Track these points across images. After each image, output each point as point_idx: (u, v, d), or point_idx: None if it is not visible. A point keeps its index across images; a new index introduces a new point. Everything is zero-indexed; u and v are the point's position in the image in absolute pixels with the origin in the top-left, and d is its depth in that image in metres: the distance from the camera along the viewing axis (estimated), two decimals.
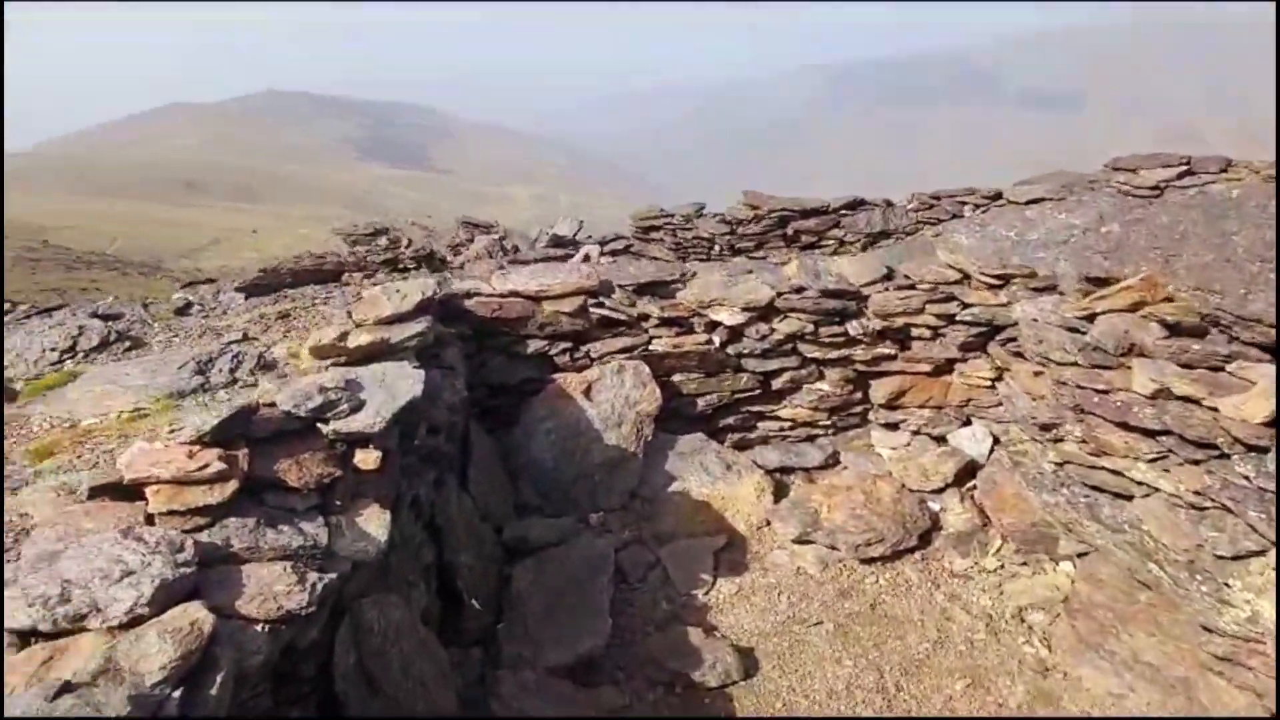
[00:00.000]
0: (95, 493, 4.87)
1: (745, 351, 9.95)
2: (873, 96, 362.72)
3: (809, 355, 10.08)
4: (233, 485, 4.66)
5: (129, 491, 4.78)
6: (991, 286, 9.88)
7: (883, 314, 9.85)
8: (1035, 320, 8.85)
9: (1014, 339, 9.47)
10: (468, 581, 7.16)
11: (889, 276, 10.32)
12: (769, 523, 9.01)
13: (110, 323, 13.97)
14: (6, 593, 3.99)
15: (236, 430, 5.07)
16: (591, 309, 9.28)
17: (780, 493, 9.47)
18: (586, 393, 8.93)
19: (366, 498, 5.37)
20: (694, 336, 9.77)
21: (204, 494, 4.60)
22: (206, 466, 4.63)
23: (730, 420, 10.19)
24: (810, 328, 9.88)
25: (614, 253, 16.21)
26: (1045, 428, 8.41)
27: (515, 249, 20.87)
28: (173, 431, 4.93)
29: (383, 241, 19.90)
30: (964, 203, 15.30)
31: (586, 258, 15.90)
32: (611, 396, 8.97)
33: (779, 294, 9.81)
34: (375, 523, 5.20)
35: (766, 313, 9.90)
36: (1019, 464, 8.98)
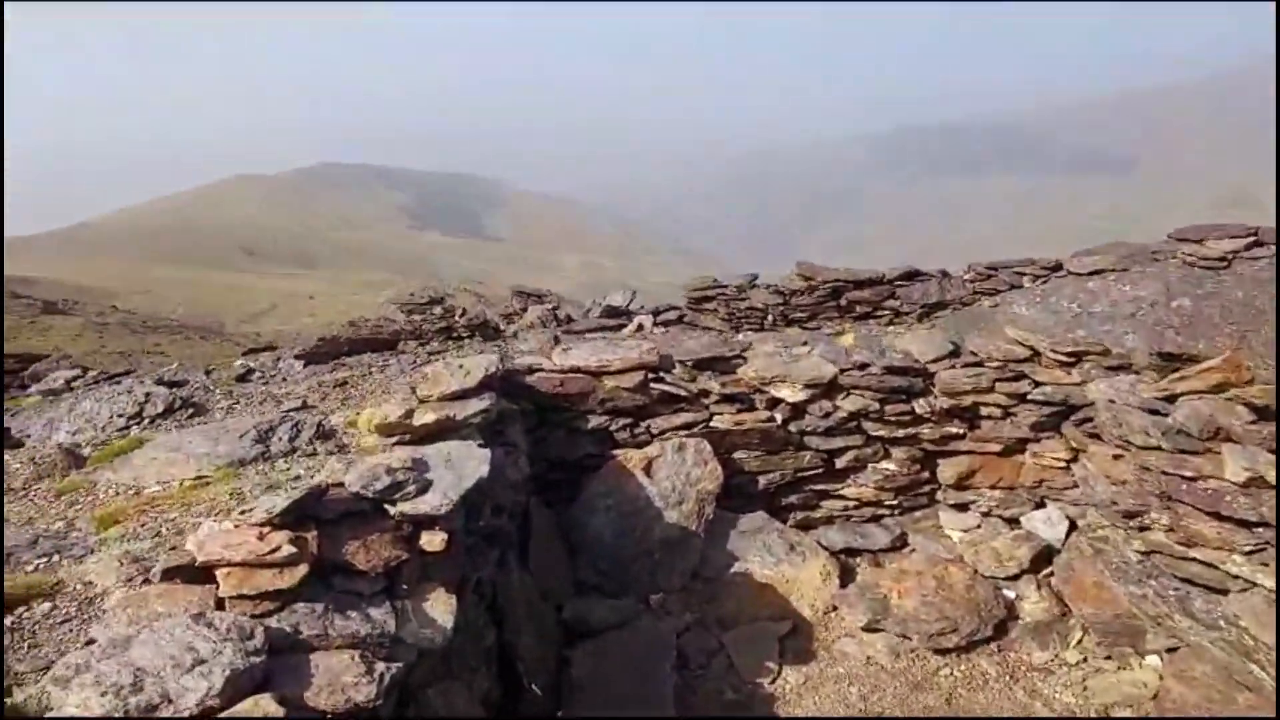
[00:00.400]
0: (168, 574, 4.84)
1: (808, 429, 9.76)
2: (919, 164, 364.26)
3: (874, 433, 9.85)
4: (302, 570, 4.60)
5: (201, 573, 4.74)
6: (1063, 364, 9.60)
7: (950, 392, 9.61)
8: (1113, 401, 8.54)
9: (1090, 419, 9.13)
10: (528, 664, 6.96)
11: (955, 353, 10.10)
12: (836, 608, 8.68)
13: (175, 389, 14.28)
14: (81, 677, 3.95)
15: (306, 511, 5.03)
16: (652, 385, 9.21)
17: (846, 576, 9.15)
18: (647, 469, 8.80)
19: (433, 581, 5.27)
20: (755, 413, 9.62)
21: (274, 578, 4.54)
22: (277, 550, 4.58)
23: (793, 499, 9.94)
24: (875, 405, 9.67)
25: (666, 323, 16.20)
26: (1129, 515, 8.02)
27: (569, 318, 21.04)
28: (244, 512, 4.91)
29: (438, 310, 20.20)
30: (1022, 273, 15.04)
31: (640, 328, 15.92)
32: (672, 474, 8.82)
33: (842, 370, 9.64)
34: (441, 608, 5.09)
35: (829, 390, 9.73)
36: (1100, 551, 8.57)
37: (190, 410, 13.12)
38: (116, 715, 3.76)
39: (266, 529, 4.79)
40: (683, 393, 9.34)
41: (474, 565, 6.23)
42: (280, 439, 10.47)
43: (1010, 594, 9.02)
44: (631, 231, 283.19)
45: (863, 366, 9.73)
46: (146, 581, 7.01)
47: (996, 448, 9.81)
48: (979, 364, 9.75)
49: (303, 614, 4.50)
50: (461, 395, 7.19)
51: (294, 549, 4.64)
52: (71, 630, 6.48)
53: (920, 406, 9.75)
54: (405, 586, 5.09)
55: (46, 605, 6.81)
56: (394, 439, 6.52)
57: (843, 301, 15.70)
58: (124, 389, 13.86)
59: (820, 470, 10.02)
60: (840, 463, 9.96)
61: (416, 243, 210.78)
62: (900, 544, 9.82)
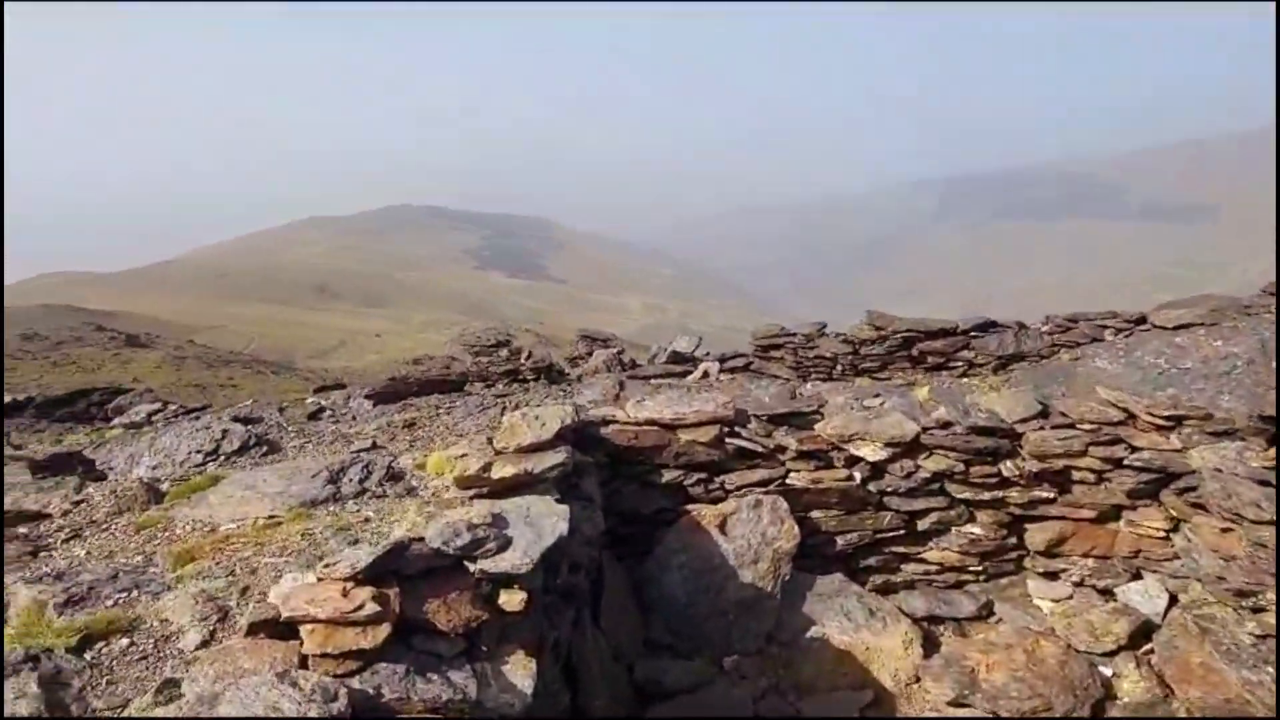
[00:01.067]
0: (254, 629, 4.78)
1: (888, 489, 9.40)
2: (984, 211, 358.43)
3: (958, 496, 9.43)
4: (385, 630, 4.49)
5: (286, 628, 4.67)
6: (1160, 428, 9.09)
7: (1040, 455, 9.16)
8: (1219, 471, 8.03)
9: (1192, 488, 8.59)
10: None
11: (1044, 413, 9.64)
12: (919, 679, 8.24)
13: (250, 426, 14.55)
14: None
15: (389, 566, 4.95)
16: (727, 440, 9.02)
17: (929, 645, 8.70)
18: (721, 526, 8.55)
19: (511, 642, 5.11)
20: (833, 471, 9.31)
21: (357, 637, 4.44)
22: (361, 608, 4.49)
23: (871, 561, 9.55)
24: (960, 466, 9.28)
25: (733, 370, 16.00)
26: (1241, 593, 7.48)
27: (633, 363, 20.98)
28: (327, 565, 4.84)
29: (504, 353, 20.32)
30: (1104, 326, 14.46)
31: (706, 375, 15.74)
32: (747, 532, 8.56)
33: (924, 429, 9.29)
34: (521, 671, 4.92)
35: (911, 449, 9.38)
36: (1207, 630, 7.99)
37: (264, 448, 13.31)
38: None
39: (349, 584, 4.70)
40: (759, 448, 9.10)
41: (551, 625, 6.06)
42: (350, 480, 10.51)
43: (1107, 671, 8.46)
44: (691, 275, 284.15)
45: (945, 425, 9.36)
46: (222, 620, 7.04)
47: (1090, 514, 9.30)
48: (1070, 426, 9.30)
49: (384, 675, 4.38)
50: (538, 447, 7.09)
51: (378, 607, 4.54)
52: (147, 668, 6.47)
53: (1007, 469, 9.32)
54: (485, 648, 4.95)
55: (124, 641, 6.83)
56: (472, 492, 6.43)
57: (914, 352, 15.34)
58: (202, 425, 14.15)
59: (901, 532, 9.62)
60: (922, 525, 9.55)
61: (480, 283, 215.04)
62: (986, 613, 9.32)
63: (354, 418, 16.98)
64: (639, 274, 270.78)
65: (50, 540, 10.03)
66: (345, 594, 4.63)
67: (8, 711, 5.80)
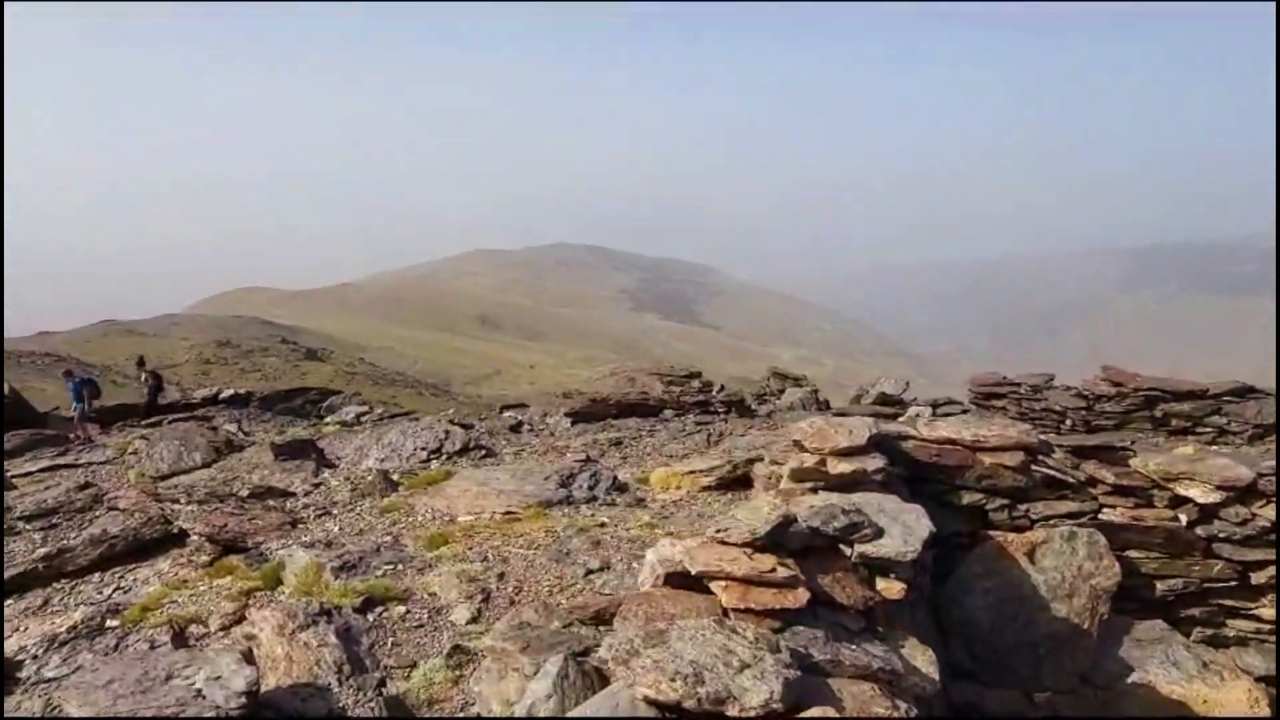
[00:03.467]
0: (670, 579, 4.88)
1: (1219, 535, 8.51)
2: (1176, 283, 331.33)
3: None
4: (804, 594, 4.44)
5: (693, 581, 4.72)
6: None
7: None
8: None
9: None
10: None
11: None
12: None
13: (468, 431, 15.24)
14: (639, 660, 4.03)
15: (777, 539, 4.89)
16: (1034, 467, 8.53)
17: (1273, 706, 7.79)
18: (1030, 555, 8.04)
19: (896, 628, 4.98)
20: (1155, 511, 8.56)
21: (776, 597, 4.44)
22: (774, 570, 4.47)
23: (1194, 611, 8.62)
24: None
25: (947, 416, 15.35)
26: None
27: (827, 403, 20.57)
28: (719, 531, 4.86)
29: (695, 384, 20.46)
30: None
31: (917, 418, 15.14)
32: (1061, 564, 7.97)
33: (1259, 475, 8.45)
34: (922, 658, 4.75)
35: (1245, 494, 8.51)
36: None
37: (482, 451, 13.86)
38: (688, 703, 3.74)
39: (748, 550, 4.70)
40: (1068, 479, 8.54)
41: (912, 618, 5.86)
42: (581, 486, 10.73)
43: None
44: (850, 332, 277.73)
45: None
46: (485, 600, 7.25)
47: None
48: None
49: (805, 637, 4.32)
50: (852, 451, 6.93)
51: (790, 572, 4.52)
52: (426, 635, 6.76)
53: None
54: (880, 628, 4.82)
55: (401, 609, 7.17)
56: (808, 484, 6.33)
57: (1157, 413, 14.22)
58: (425, 425, 14.93)
59: (1233, 584, 8.73)
60: (1257, 578, 8.60)
61: (634, 324, 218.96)
62: None
63: (551, 433, 17.47)
64: (795, 326, 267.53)
65: (304, 515, 10.82)
66: (750, 558, 4.63)
67: (313, 655, 6.16)
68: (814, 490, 6.25)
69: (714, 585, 4.46)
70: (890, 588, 4.84)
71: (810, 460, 6.35)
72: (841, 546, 5.06)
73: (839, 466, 6.41)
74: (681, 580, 4.69)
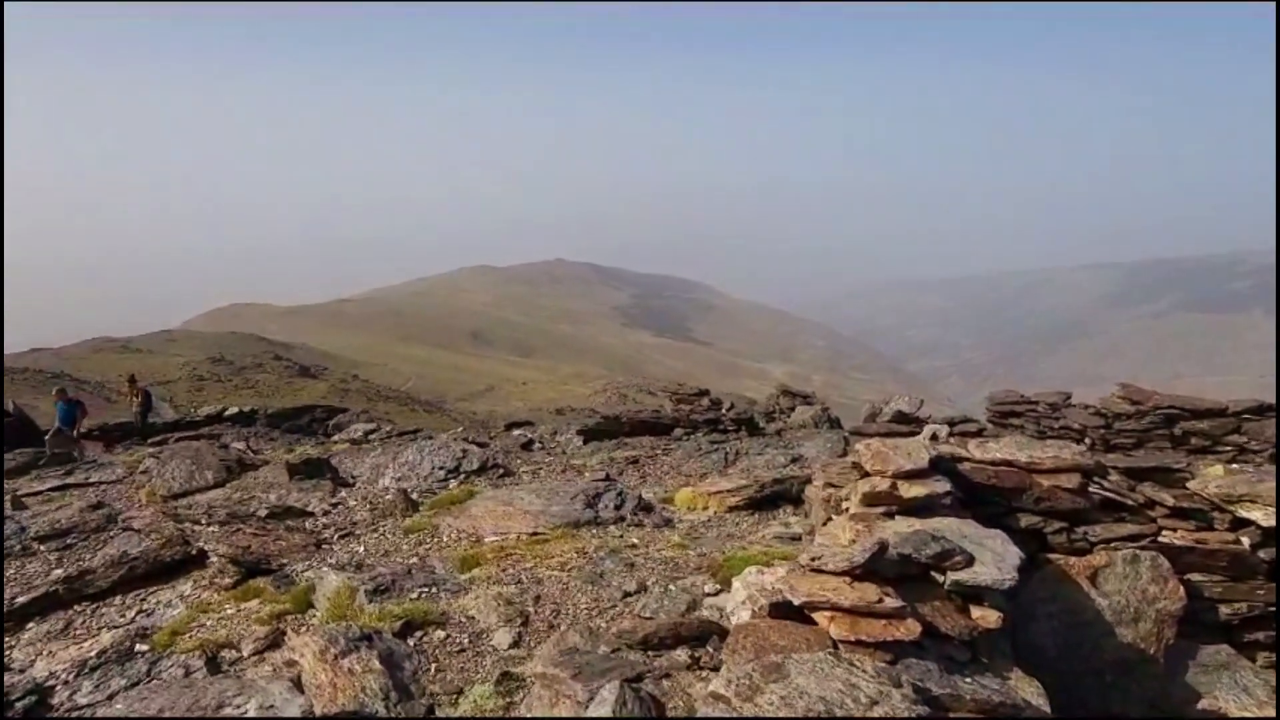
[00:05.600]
0: (775, 610, 4.75)
1: None
2: (1170, 299, 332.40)
3: None
4: (916, 625, 4.33)
5: (794, 611, 4.61)
6: None
7: None
8: None
9: None
10: None
11: None
12: None
13: (484, 449, 15.11)
14: (763, 699, 3.90)
15: (873, 567, 4.76)
16: (1092, 489, 8.45)
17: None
18: (1092, 579, 7.95)
19: (999, 659, 4.84)
20: (1217, 534, 8.48)
21: (886, 629, 4.32)
22: (881, 600, 4.35)
23: (1259, 635, 8.55)
24: None
25: (963, 434, 15.28)
26: None
27: (838, 421, 20.48)
28: (813, 559, 4.74)
29: (705, 402, 20.36)
30: None
31: (934, 437, 15.06)
32: (1125, 588, 7.86)
33: None
34: (1030, 689, 4.60)
35: None
36: None
37: (500, 470, 13.72)
38: None
39: (847, 579, 4.57)
40: (1127, 501, 8.46)
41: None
42: (607, 506, 10.61)
43: None
44: (844, 349, 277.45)
45: None
46: (524, 623, 7.12)
47: None
48: None
49: (919, 671, 4.18)
50: (914, 474, 6.82)
51: (898, 602, 4.40)
52: (469, 660, 6.62)
53: None
54: (985, 660, 4.68)
55: (440, 633, 7.04)
56: (880, 509, 6.20)
57: (1176, 431, 14.17)
58: (441, 444, 14.80)
59: None
60: None
61: (627, 341, 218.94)
62: None
63: (564, 451, 17.35)
64: (789, 342, 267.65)
65: (326, 536, 10.67)
66: (851, 586, 4.51)
67: (358, 682, 6.02)
68: (888, 515, 6.14)
69: (818, 616, 4.34)
70: (987, 616, 4.71)
71: (883, 484, 6.25)
72: (934, 574, 4.94)
73: (911, 490, 6.31)
74: (780, 610, 4.57)
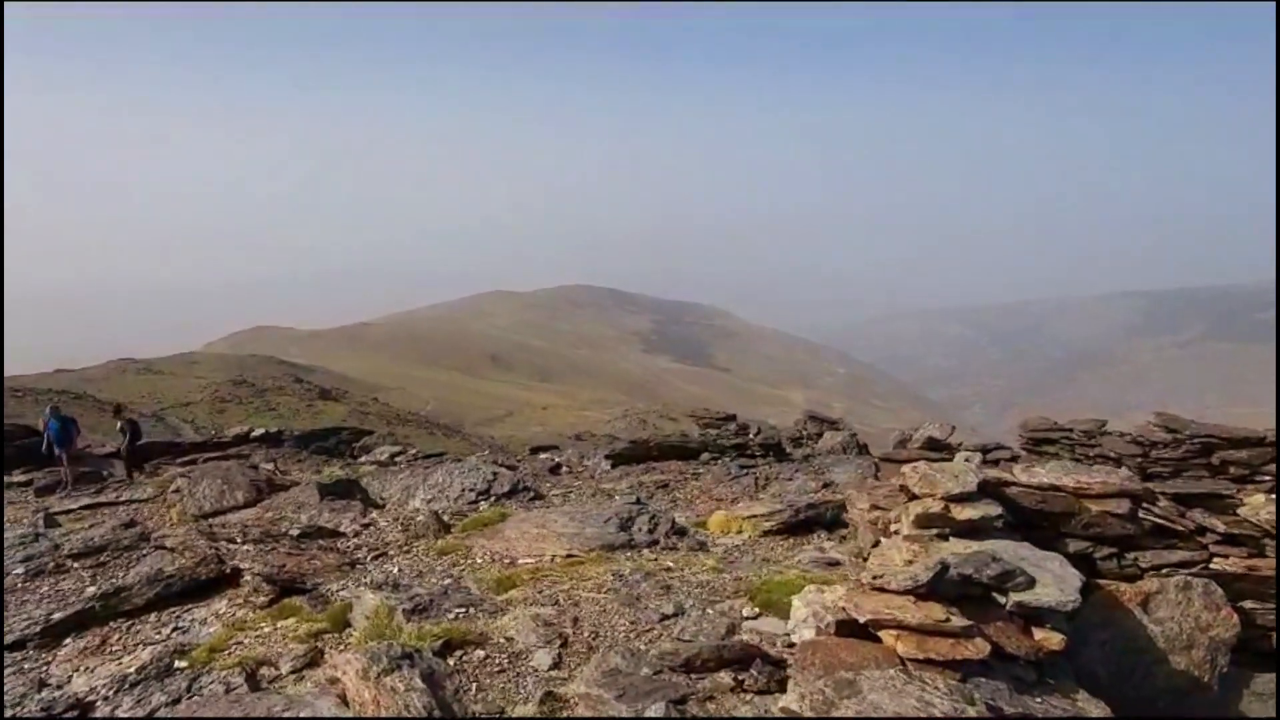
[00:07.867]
0: (841, 628, 4.71)
1: None
2: (1195, 328, 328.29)
3: None
4: (984, 644, 4.29)
5: (858, 629, 4.58)
6: None
7: None
8: None
9: None
10: None
11: None
12: None
13: (514, 472, 15.09)
14: (839, 714, 3.89)
15: (935, 587, 4.73)
16: (1142, 515, 8.34)
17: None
18: (1143, 605, 7.81)
19: (1063, 680, 4.76)
20: (1269, 561, 8.32)
21: (954, 648, 4.28)
22: (948, 620, 4.31)
23: None
24: None
25: (996, 462, 15.12)
26: None
27: (866, 448, 20.31)
28: (876, 578, 4.71)
29: (732, 427, 20.29)
30: None
31: (967, 463, 14.92)
32: (1177, 615, 7.72)
33: None
34: (1096, 710, 4.53)
35: None
36: None
37: (530, 493, 13.69)
38: None
39: (912, 598, 4.53)
40: (1177, 527, 8.33)
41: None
42: (640, 529, 10.53)
43: None
44: (864, 376, 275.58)
45: None
46: (564, 645, 7.06)
47: None
48: None
49: (989, 690, 4.15)
50: (963, 498, 6.75)
51: (966, 621, 4.35)
52: (509, 680, 6.56)
53: None
54: (1051, 680, 4.60)
55: (480, 653, 6.99)
56: (933, 531, 6.15)
57: (1214, 460, 13.96)
58: (471, 466, 14.79)
59: None
60: None
61: (646, 366, 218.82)
62: None
63: (592, 475, 17.30)
64: (808, 369, 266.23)
65: (359, 556, 10.67)
66: (917, 606, 4.47)
67: (400, 700, 5.98)
68: (942, 537, 6.06)
69: (884, 634, 4.28)
70: (1050, 638, 4.63)
71: (935, 506, 6.18)
72: (995, 595, 4.87)
73: (965, 513, 6.24)
74: (845, 628, 4.52)
